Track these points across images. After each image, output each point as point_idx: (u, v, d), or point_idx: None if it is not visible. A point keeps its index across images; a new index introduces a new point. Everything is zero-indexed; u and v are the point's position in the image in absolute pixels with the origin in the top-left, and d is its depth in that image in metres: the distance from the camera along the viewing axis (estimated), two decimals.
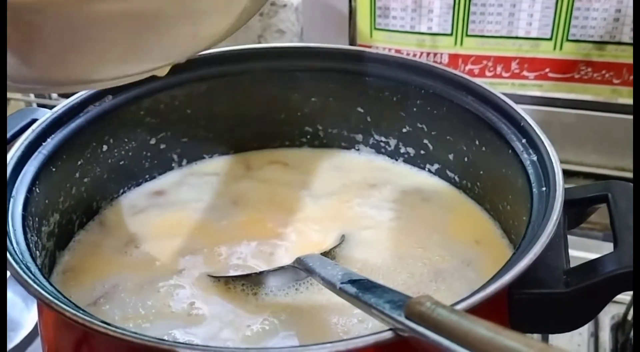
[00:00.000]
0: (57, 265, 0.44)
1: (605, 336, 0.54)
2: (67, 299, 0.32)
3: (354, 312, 0.38)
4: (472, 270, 0.43)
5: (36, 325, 0.56)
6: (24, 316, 0.57)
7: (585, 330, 0.55)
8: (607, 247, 0.36)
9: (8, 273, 0.57)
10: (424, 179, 0.52)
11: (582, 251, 0.57)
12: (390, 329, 0.29)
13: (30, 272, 0.33)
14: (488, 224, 0.47)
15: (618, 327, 0.55)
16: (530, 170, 0.40)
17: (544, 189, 0.38)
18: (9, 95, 0.87)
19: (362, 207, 0.49)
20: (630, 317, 0.53)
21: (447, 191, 0.51)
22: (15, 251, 0.34)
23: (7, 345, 0.55)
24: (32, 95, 0.87)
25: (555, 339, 0.53)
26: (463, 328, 0.26)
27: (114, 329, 0.29)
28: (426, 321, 0.27)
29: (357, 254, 0.44)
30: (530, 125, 0.42)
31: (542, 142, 0.41)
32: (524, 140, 0.42)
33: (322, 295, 0.40)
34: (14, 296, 0.58)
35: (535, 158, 0.41)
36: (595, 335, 0.55)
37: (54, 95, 0.90)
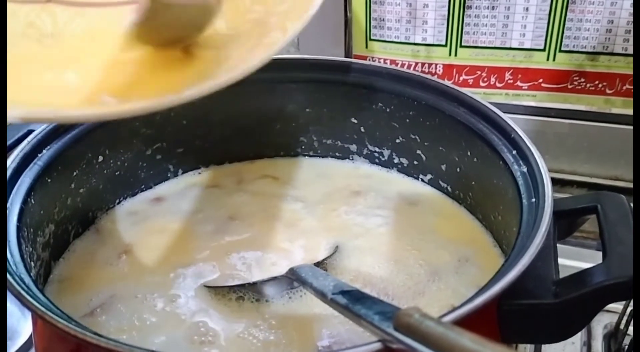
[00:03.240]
0: (52, 275, 0.45)
1: (598, 346, 0.55)
2: (60, 310, 0.32)
3: (345, 322, 0.38)
4: (472, 265, 0.44)
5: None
6: (20, 324, 0.57)
7: (578, 339, 0.55)
8: (601, 257, 0.37)
9: None
10: (411, 185, 0.53)
11: (576, 260, 0.57)
12: (379, 341, 0.29)
13: (24, 283, 0.33)
14: (480, 233, 0.48)
15: (611, 337, 0.55)
16: (520, 181, 0.41)
17: (533, 200, 0.39)
18: None
19: (350, 214, 0.50)
20: (622, 326, 0.53)
21: (439, 199, 0.52)
22: (9, 263, 0.35)
23: None
24: None
25: (548, 348, 0.53)
26: (449, 340, 0.26)
27: (105, 340, 0.29)
28: (414, 333, 0.28)
29: (353, 261, 0.45)
30: (520, 136, 0.42)
31: (532, 153, 0.41)
32: (514, 152, 0.42)
33: (314, 304, 0.40)
34: (11, 305, 0.58)
35: (525, 169, 0.41)
36: (588, 344, 0.55)
37: None
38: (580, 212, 0.41)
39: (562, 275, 0.37)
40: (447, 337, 0.26)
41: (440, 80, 0.49)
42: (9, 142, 0.44)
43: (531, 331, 0.36)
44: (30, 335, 0.57)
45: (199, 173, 0.55)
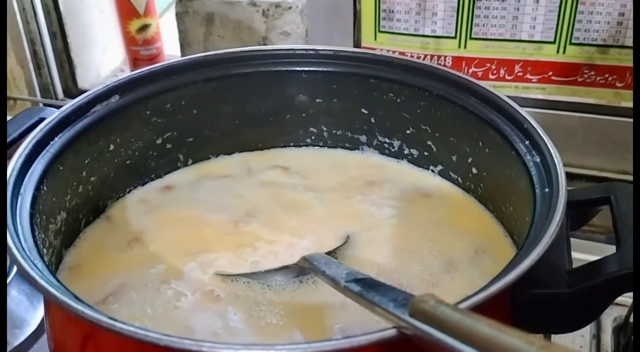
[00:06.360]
0: (63, 262, 0.45)
1: (607, 338, 0.55)
2: (75, 296, 0.32)
3: (358, 309, 0.38)
4: (488, 256, 0.44)
5: (41, 323, 0.56)
6: (29, 314, 0.58)
7: (587, 332, 0.55)
8: (610, 250, 0.37)
9: (14, 270, 0.58)
10: (422, 175, 0.53)
11: (585, 253, 0.57)
12: (394, 327, 0.29)
13: (39, 269, 0.33)
14: (491, 224, 0.48)
15: (620, 330, 0.55)
16: (533, 171, 0.40)
17: (546, 190, 0.39)
18: (16, 95, 0.88)
19: (364, 204, 0.49)
20: (631, 319, 0.53)
21: (450, 190, 0.51)
22: (23, 248, 0.35)
23: (13, 342, 0.55)
24: (38, 95, 0.88)
25: (557, 340, 0.53)
26: (466, 326, 0.26)
27: (120, 325, 0.29)
28: (429, 319, 0.28)
29: (366, 251, 0.44)
30: (533, 127, 0.42)
31: (546, 143, 0.41)
32: (527, 142, 0.42)
33: (326, 292, 0.40)
34: (19, 295, 0.58)
35: (538, 160, 0.41)
36: (597, 337, 0.55)
37: (60, 95, 0.91)
38: (594, 202, 0.41)
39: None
40: (464, 323, 0.26)
41: (452, 70, 0.49)
42: (21, 130, 0.44)
43: (544, 320, 0.36)
44: (39, 325, 0.57)
45: (209, 163, 0.55)
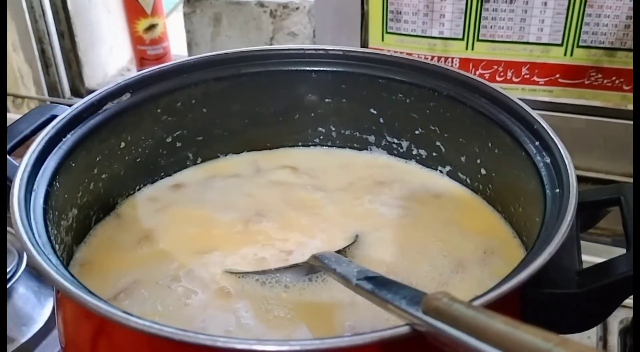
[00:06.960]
0: (74, 259, 0.45)
1: (614, 340, 0.55)
2: (90, 291, 0.33)
3: (367, 307, 0.38)
4: (497, 257, 0.44)
5: (48, 320, 0.57)
6: (36, 311, 0.58)
7: (594, 334, 0.55)
8: (617, 253, 0.37)
9: (21, 268, 0.58)
10: (430, 176, 0.53)
11: (592, 255, 0.57)
12: (406, 324, 0.29)
13: (53, 264, 0.34)
14: (500, 224, 0.48)
15: (627, 332, 0.55)
16: (543, 172, 0.41)
17: (557, 190, 0.39)
18: (24, 93, 0.88)
19: (373, 204, 0.49)
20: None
21: (459, 191, 0.51)
22: (37, 244, 0.35)
23: (20, 340, 0.55)
24: (46, 94, 0.88)
25: None
26: (481, 323, 0.26)
27: (135, 320, 0.29)
28: (443, 316, 0.28)
29: (375, 251, 0.45)
30: (543, 128, 0.42)
31: (556, 144, 0.41)
32: (537, 143, 0.42)
33: (335, 290, 0.40)
34: (26, 292, 0.59)
35: (548, 160, 0.41)
36: (604, 339, 0.55)
37: (67, 94, 0.91)
38: (603, 203, 0.41)
39: None
40: (479, 320, 0.26)
41: (461, 71, 0.49)
42: (33, 127, 0.45)
43: (553, 320, 0.36)
44: (46, 322, 0.57)
45: (218, 161, 0.56)
